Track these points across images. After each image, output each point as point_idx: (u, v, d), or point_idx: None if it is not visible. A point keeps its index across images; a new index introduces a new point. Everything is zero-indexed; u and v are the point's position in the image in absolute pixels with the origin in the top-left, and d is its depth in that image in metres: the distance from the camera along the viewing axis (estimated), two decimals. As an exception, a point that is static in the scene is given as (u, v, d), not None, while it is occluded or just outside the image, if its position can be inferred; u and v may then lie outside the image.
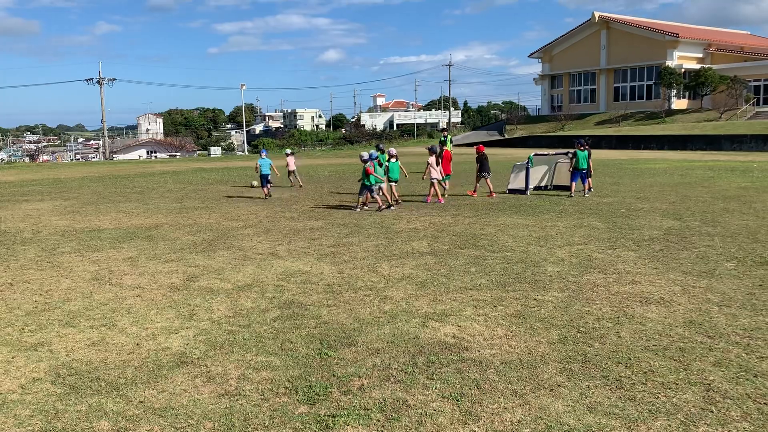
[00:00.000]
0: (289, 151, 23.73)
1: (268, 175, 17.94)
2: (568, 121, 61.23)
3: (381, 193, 14.62)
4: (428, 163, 15.81)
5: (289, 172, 21.49)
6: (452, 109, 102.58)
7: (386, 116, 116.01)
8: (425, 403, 4.54)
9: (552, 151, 20.64)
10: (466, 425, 4.20)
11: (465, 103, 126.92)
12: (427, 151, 16.15)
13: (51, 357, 5.61)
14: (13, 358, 5.61)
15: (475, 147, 18.23)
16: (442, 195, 16.24)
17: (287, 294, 7.58)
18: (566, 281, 7.89)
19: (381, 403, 4.56)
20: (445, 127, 60.01)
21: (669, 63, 57.14)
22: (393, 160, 15.26)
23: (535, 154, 18.26)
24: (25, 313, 6.96)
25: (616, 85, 64.13)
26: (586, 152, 16.49)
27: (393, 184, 15.26)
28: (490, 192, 16.97)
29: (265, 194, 17.87)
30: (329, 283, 8.07)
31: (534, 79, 74.67)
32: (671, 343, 5.67)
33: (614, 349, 5.54)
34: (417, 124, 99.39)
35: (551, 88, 71.22)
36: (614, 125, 55.87)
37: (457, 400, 4.57)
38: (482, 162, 17.01)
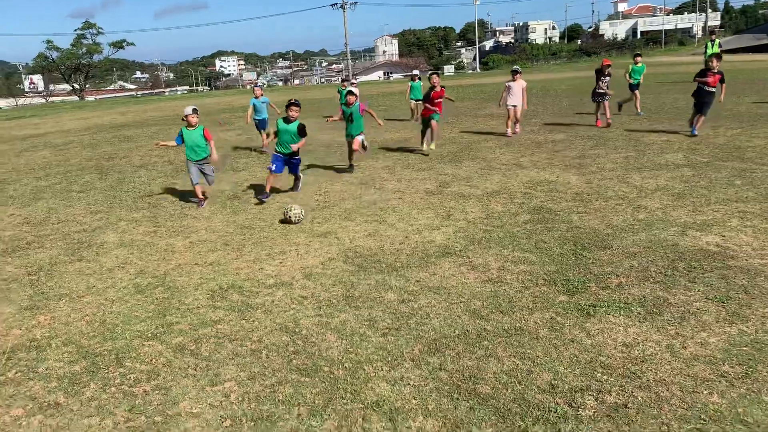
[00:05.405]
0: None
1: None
2: None
3: None
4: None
5: None
6: (709, 10, 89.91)
7: (629, 23, 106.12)
8: (687, 302, 4.60)
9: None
10: (733, 324, 4.20)
11: (726, 3, 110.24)
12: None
13: (338, 243, 6.66)
14: (310, 242, 6.77)
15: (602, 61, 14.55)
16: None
17: (535, 201, 7.86)
18: None
19: (641, 299, 4.72)
20: (713, 29, 52.59)
21: None
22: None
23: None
24: (312, 209, 8.23)
25: None
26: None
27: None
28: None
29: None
30: (577, 192, 8.15)
31: (821, -34, 62.10)
32: None
33: None
34: (665, 30, 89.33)
35: None
36: None
37: (723, 302, 4.54)
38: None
